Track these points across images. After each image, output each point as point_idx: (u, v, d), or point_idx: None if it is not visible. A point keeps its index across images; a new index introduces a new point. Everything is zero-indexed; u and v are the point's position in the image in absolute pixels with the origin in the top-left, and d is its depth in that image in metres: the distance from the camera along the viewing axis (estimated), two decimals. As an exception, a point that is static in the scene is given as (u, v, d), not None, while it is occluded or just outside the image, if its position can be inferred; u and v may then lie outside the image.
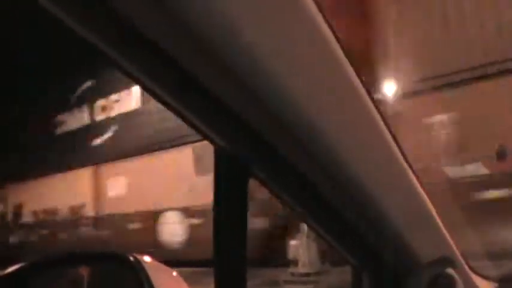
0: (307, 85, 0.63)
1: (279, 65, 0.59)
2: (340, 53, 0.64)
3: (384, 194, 0.81)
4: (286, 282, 10.20)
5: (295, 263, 11.06)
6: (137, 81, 0.61)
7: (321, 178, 0.75)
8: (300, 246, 11.05)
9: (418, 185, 0.89)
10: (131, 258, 1.14)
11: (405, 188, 0.87)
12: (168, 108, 0.67)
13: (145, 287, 1.07)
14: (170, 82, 0.61)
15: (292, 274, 10.66)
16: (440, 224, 0.98)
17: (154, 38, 0.55)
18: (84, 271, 1.44)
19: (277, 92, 0.60)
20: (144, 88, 0.63)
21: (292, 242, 10.91)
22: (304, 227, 11.26)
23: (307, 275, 10.77)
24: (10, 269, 1.36)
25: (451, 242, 1.01)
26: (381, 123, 0.75)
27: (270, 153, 0.71)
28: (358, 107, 0.71)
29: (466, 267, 1.08)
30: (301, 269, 10.93)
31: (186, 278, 1.42)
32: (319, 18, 0.61)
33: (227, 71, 0.57)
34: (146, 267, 1.09)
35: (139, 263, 1.12)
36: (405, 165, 0.84)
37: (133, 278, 1.11)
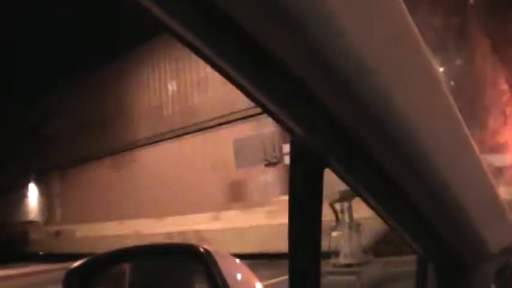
0: (396, 78, 0.63)
1: (371, 57, 0.59)
2: (425, 49, 0.65)
3: (458, 181, 0.81)
4: (330, 273, 10.17)
5: (336, 254, 11.00)
6: (197, 52, 0.59)
7: (397, 167, 0.75)
8: (342, 237, 10.99)
9: (487, 173, 0.89)
10: (201, 249, 1.15)
11: (477, 175, 0.87)
12: (245, 94, 0.66)
13: (216, 278, 1.09)
14: (248, 63, 0.60)
15: (334, 265, 10.61)
16: (508, 211, 0.97)
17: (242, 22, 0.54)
18: (126, 266, 1.46)
19: (365, 83, 0.60)
20: (212, 64, 0.61)
21: (334, 233, 10.85)
22: (346, 217, 11.20)
23: (349, 265, 10.71)
24: (75, 264, 1.38)
25: None
26: (456, 113, 0.76)
27: (347, 143, 0.71)
28: (438, 99, 0.72)
29: None
30: (342, 260, 10.88)
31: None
32: (411, 21, 0.62)
33: (314, 56, 0.56)
34: (216, 258, 1.11)
35: (209, 254, 1.13)
36: (477, 153, 0.84)
37: (204, 270, 1.13)
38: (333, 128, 0.68)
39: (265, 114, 0.73)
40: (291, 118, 0.71)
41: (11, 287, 16.57)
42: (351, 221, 11.17)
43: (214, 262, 1.10)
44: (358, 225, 11.24)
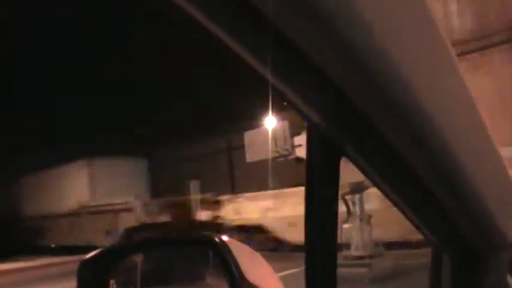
0: (416, 68, 0.62)
1: (393, 44, 0.58)
2: (445, 39, 0.64)
3: (475, 171, 0.80)
4: (341, 265, 10.18)
5: (348, 246, 11.01)
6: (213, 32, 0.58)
7: (415, 157, 0.75)
8: (353, 229, 10.99)
9: (504, 164, 0.88)
10: (216, 239, 1.15)
11: (494, 166, 0.86)
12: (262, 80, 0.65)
13: (232, 268, 1.09)
14: (266, 48, 0.59)
15: (345, 257, 10.61)
16: None
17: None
18: (140, 257, 1.47)
19: (385, 72, 0.60)
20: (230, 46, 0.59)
21: (345, 225, 10.85)
22: (357, 209, 11.20)
23: (361, 258, 10.72)
24: (90, 254, 1.39)
25: None
26: (474, 103, 0.75)
27: (364, 131, 0.71)
28: (456, 88, 0.71)
29: None
30: (354, 252, 10.88)
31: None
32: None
33: (335, 44, 0.55)
34: (231, 248, 1.11)
35: (224, 244, 1.13)
36: (494, 144, 0.83)
37: (219, 260, 1.13)
38: (351, 116, 0.67)
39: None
40: (308, 106, 0.71)
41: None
42: (362, 213, 11.16)
43: (230, 252, 1.10)
44: (370, 217, 11.24)
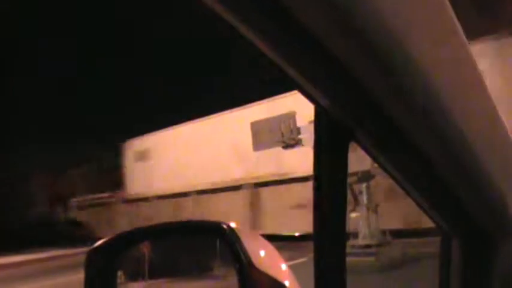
0: (428, 51, 0.61)
1: (404, 26, 0.57)
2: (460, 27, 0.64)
3: (486, 154, 0.79)
4: (348, 254, 10.16)
5: (355, 235, 11.00)
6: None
7: (426, 140, 0.74)
8: (360, 218, 10.99)
9: None
10: (224, 226, 1.15)
11: (506, 149, 0.85)
12: (271, 63, 0.64)
13: (240, 255, 1.08)
14: (276, 30, 0.58)
15: (353, 246, 10.61)
16: None
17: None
18: (147, 245, 1.46)
19: (397, 56, 0.59)
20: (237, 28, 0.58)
21: (352, 214, 10.83)
22: (364, 198, 11.19)
23: (368, 246, 10.71)
24: (97, 243, 1.38)
25: None
26: (486, 86, 0.74)
27: (374, 115, 0.70)
28: (468, 72, 0.70)
29: None
30: (361, 241, 10.87)
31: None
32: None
33: (346, 26, 0.54)
34: (240, 235, 1.11)
35: (232, 231, 1.13)
36: (506, 127, 0.82)
37: (228, 247, 1.13)
38: (361, 99, 0.66)
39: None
40: (317, 89, 0.70)
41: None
42: (369, 202, 11.15)
43: (238, 239, 1.10)
44: (377, 206, 11.23)
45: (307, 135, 11.60)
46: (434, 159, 0.77)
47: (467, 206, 0.89)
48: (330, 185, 0.84)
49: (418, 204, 0.96)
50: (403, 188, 0.90)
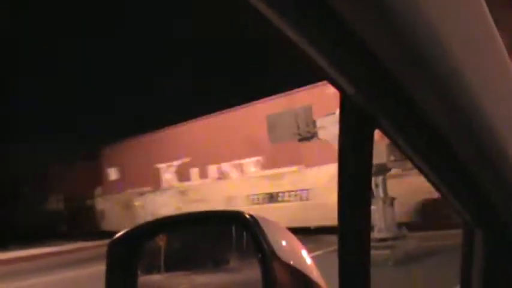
0: (456, 38, 0.61)
1: (438, 17, 0.56)
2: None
3: None
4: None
5: (371, 228, 10.96)
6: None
7: (452, 130, 0.73)
8: (376, 211, 10.95)
9: None
10: (247, 216, 1.15)
11: None
12: (297, 50, 0.63)
13: (263, 245, 1.08)
14: (302, 16, 0.57)
15: (369, 239, 10.57)
16: None
17: None
18: (169, 235, 1.46)
19: (426, 44, 0.58)
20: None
21: (368, 207, 10.79)
22: (380, 191, 11.14)
23: (384, 240, 10.68)
24: (118, 234, 1.38)
25: None
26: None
27: (400, 103, 0.69)
28: (498, 63, 0.70)
29: None
30: (377, 234, 10.82)
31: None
32: None
33: (375, 11, 0.53)
34: (262, 224, 1.11)
35: (255, 221, 1.12)
36: None
37: (250, 237, 1.12)
38: (387, 86, 0.65)
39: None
40: (342, 75, 0.69)
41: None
42: (385, 195, 11.10)
43: (261, 229, 1.10)
44: (393, 199, 11.18)
45: (325, 128, 11.57)
46: (460, 148, 0.77)
47: (492, 197, 0.88)
48: (354, 172, 0.84)
49: (442, 195, 0.95)
50: (427, 177, 0.90)
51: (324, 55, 0.65)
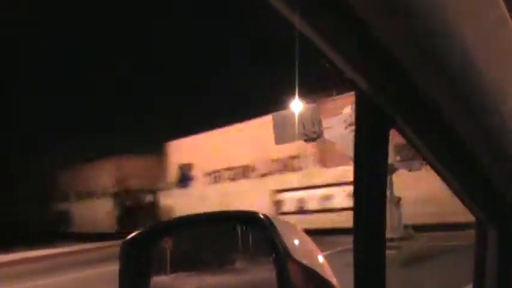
0: (473, 37, 0.61)
1: (455, 16, 0.56)
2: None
3: None
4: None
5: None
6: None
7: (467, 130, 0.73)
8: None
9: None
10: (261, 216, 1.15)
11: None
12: (314, 48, 0.63)
13: (278, 245, 1.08)
14: (321, 15, 0.58)
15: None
16: None
17: None
18: (183, 235, 1.46)
19: (442, 43, 0.58)
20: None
21: (375, 208, 10.77)
22: (387, 192, 11.11)
23: (391, 240, 10.66)
24: (132, 234, 1.37)
25: None
26: None
27: (416, 102, 0.69)
28: None
29: None
30: (383, 234, 10.82)
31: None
32: None
33: (393, 11, 0.54)
34: (277, 225, 1.11)
35: (270, 221, 1.13)
36: None
37: (265, 238, 1.12)
38: (404, 85, 0.66)
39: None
40: (359, 73, 0.69)
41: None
42: (391, 196, 11.09)
43: (275, 229, 1.10)
44: (399, 199, 11.17)
45: (330, 129, 11.53)
46: (475, 147, 0.77)
47: (506, 196, 0.89)
48: (370, 170, 0.84)
49: (457, 194, 0.95)
50: (441, 175, 0.90)
51: (342, 55, 0.65)
